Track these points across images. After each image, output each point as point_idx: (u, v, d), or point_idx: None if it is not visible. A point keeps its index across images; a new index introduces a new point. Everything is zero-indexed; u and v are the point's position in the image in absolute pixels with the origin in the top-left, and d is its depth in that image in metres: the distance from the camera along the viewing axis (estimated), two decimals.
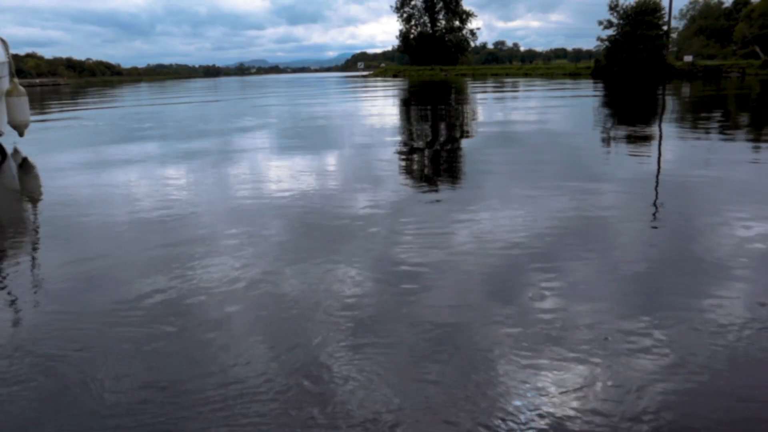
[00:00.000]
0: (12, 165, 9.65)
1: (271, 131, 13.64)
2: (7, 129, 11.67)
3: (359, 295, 3.57)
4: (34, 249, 4.83)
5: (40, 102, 32.51)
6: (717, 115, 15.41)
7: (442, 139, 11.53)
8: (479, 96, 28.24)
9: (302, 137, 12.33)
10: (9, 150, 10.91)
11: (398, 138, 11.73)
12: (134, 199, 6.46)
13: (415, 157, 9.44)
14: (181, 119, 18.57)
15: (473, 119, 15.85)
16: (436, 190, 6.66)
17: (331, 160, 9.22)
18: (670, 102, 20.59)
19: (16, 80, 11.53)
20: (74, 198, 6.66)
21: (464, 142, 11.05)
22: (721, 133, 11.19)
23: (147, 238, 4.92)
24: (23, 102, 11.29)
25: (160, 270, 4.07)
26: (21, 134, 11.60)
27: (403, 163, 8.81)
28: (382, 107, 22.50)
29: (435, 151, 9.94)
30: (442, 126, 14.26)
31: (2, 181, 8.46)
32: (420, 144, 10.80)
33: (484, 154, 9.41)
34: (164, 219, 5.52)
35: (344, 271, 3.97)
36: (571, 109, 18.51)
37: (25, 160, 10.06)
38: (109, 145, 11.62)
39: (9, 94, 11.15)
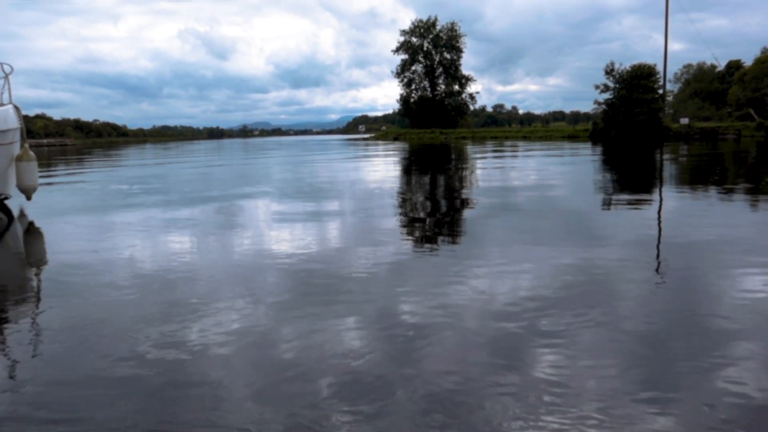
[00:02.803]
0: (18, 229, 9.65)
1: (282, 194, 13.72)
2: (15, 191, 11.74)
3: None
4: (34, 319, 4.72)
5: (46, 161, 33.01)
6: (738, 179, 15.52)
7: (443, 208, 11.54)
8: (478, 158, 28.62)
9: (318, 199, 12.39)
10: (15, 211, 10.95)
11: (401, 208, 11.76)
12: (139, 266, 6.39)
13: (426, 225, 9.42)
14: (187, 187, 18.71)
15: (476, 186, 15.98)
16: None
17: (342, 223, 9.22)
18: (677, 170, 20.80)
19: (26, 145, 11.70)
20: (80, 264, 6.59)
21: (467, 213, 11.06)
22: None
23: (165, 307, 4.82)
24: (32, 167, 11.41)
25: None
26: (28, 198, 11.66)
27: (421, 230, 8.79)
28: (384, 170, 22.76)
29: (438, 219, 9.92)
30: (442, 192, 14.34)
31: (7, 245, 8.43)
32: (421, 214, 10.80)
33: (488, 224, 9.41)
34: (162, 281, 5.44)
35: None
36: (575, 180, 18.68)
37: (31, 224, 10.07)
38: (112, 211, 11.66)
39: (19, 158, 11.29)
